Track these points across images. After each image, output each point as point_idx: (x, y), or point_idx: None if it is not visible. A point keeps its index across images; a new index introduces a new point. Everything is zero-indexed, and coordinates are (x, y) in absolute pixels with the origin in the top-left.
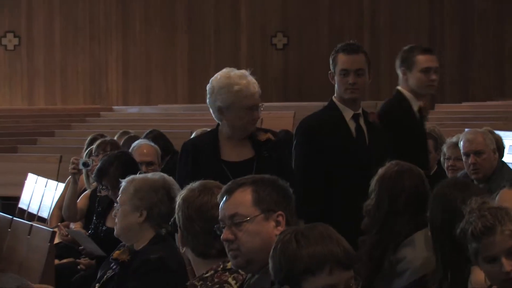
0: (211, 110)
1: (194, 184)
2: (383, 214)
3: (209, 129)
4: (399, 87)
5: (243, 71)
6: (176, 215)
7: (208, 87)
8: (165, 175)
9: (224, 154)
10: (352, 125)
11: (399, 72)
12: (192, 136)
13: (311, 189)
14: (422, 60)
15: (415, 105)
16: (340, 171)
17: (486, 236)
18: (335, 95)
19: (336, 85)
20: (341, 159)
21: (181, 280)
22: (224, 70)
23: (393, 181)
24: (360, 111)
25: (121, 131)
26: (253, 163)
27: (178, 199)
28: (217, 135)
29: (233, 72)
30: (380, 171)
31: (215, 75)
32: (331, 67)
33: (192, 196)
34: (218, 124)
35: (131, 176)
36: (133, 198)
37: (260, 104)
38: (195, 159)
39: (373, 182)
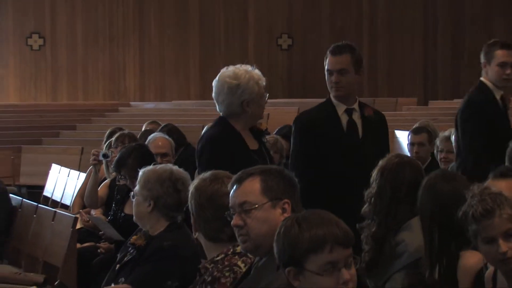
0: (228, 107)
1: (206, 174)
2: (385, 202)
3: None
4: (482, 78)
5: (248, 65)
6: (189, 203)
7: (226, 85)
8: (174, 168)
9: (248, 144)
10: (344, 119)
11: (482, 64)
12: (204, 129)
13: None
14: (500, 54)
15: (497, 94)
16: (332, 162)
17: (485, 219)
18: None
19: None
20: (333, 151)
21: (193, 266)
22: (231, 68)
23: (394, 172)
24: (354, 106)
25: (150, 120)
26: (262, 149)
27: (191, 188)
28: (233, 128)
29: (241, 67)
30: (381, 162)
31: (226, 73)
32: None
33: (204, 185)
34: (223, 119)
35: (144, 168)
36: (143, 189)
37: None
38: (233, 152)
39: (375, 172)
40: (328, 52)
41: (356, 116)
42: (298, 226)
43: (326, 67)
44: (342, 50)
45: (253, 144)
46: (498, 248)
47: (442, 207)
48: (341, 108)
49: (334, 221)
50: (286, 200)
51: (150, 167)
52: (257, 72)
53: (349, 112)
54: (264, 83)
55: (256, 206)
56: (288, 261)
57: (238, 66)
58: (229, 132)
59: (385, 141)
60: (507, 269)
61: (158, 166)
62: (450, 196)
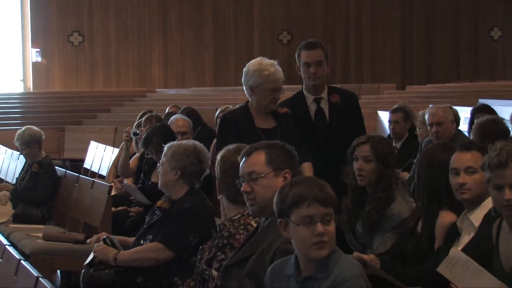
0: (244, 88)
1: (230, 146)
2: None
3: (231, 106)
4: None
5: (272, 61)
6: (216, 169)
7: (244, 69)
8: (197, 143)
9: (257, 123)
10: (313, 107)
11: None
12: (218, 112)
13: None
14: None
15: None
16: (305, 144)
17: (498, 169)
18: (303, 85)
19: (302, 76)
20: (304, 134)
21: (208, 223)
22: (258, 58)
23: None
24: (322, 94)
25: (172, 104)
26: (277, 130)
27: (218, 157)
28: (248, 109)
29: (265, 60)
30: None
31: (251, 61)
32: (297, 61)
33: (228, 155)
34: (247, 101)
35: (170, 143)
36: (170, 160)
37: (281, 88)
38: (236, 126)
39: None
40: (301, 49)
41: (324, 103)
42: (290, 186)
43: (302, 61)
44: (315, 45)
45: (266, 124)
46: (504, 195)
47: (434, 172)
48: (310, 98)
49: (318, 184)
50: (287, 170)
51: (176, 142)
52: (270, 66)
53: (317, 100)
54: (272, 78)
55: (262, 175)
56: (279, 213)
57: (265, 58)
58: (239, 112)
59: (357, 116)
60: (509, 213)
61: (183, 142)
62: (442, 164)
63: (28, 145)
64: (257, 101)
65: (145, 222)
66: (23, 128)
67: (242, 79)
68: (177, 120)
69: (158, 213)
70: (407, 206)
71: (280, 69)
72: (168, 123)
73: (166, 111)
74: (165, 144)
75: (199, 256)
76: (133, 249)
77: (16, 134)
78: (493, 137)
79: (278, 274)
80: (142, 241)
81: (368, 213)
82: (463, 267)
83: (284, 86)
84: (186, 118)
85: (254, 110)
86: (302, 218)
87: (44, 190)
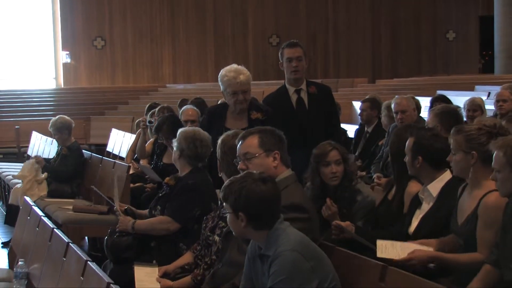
0: None
1: (230, 132)
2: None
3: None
4: None
5: (236, 67)
6: (217, 150)
7: None
8: (197, 130)
9: (228, 123)
10: (294, 98)
11: None
12: (218, 103)
13: None
14: None
15: None
16: (287, 129)
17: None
18: (285, 79)
19: (285, 71)
20: (286, 121)
21: (208, 197)
22: (230, 65)
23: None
24: (302, 86)
25: (181, 98)
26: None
27: (219, 141)
28: (226, 109)
29: (232, 66)
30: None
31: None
32: (280, 58)
33: (227, 139)
34: None
35: (181, 129)
36: (176, 142)
37: (243, 90)
38: (210, 122)
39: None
40: (284, 47)
41: (303, 94)
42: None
43: (285, 57)
44: (296, 44)
45: (237, 124)
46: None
47: (401, 149)
48: (291, 89)
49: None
50: (276, 151)
51: (185, 128)
52: (231, 72)
53: (298, 91)
54: (231, 82)
55: (256, 155)
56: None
57: (233, 65)
58: (216, 110)
59: (331, 106)
60: None
61: (188, 129)
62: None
63: (60, 131)
64: (228, 103)
65: (156, 196)
66: (56, 117)
67: None
68: (187, 110)
69: (166, 188)
70: (370, 191)
71: (243, 72)
72: (180, 111)
73: (178, 102)
74: (174, 131)
75: (204, 225)
76: (148, 220)
77: (50, 121)
78: (448, 122)
79: (252, 250)
80: (153, 212)
81: (341, 213)
82: (393, 247)
83: (273, 81)
84: (195, 108)
85: (230, 111)
86: None
87: (72, 169)
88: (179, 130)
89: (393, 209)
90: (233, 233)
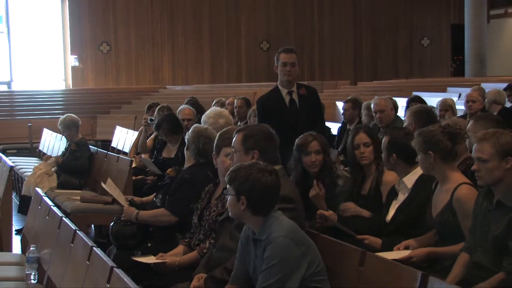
0: None
1: (224, 131)
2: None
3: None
4: None
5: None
6: (214, 145)
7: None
8: (210, 128)
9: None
10: (287, 98)
11: None
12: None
13: None
14: None
15: None
16: (280, 127)
17: None
18: (278, 81)
19: (279, 74)
20: (279, 120)
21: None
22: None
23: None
24: (293, 88)
25: (182, 98)
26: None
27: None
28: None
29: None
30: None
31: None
32: (275, 62)
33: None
34: None
35: (195, 125)
36: (188, 136)
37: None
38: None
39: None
40: (280, 52)
41: (294, 95)
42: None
43: (280, 61)
44: (291, 50)
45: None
46: None
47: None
48: (284, 91)
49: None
50: (255, 150)
51: (198, 126)
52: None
53: (290, 93)
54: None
55: (237, 152)
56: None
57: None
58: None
59: (317, 106)
60: None
61: (201, 126)
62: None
63: (68, 128)
64: None
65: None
66: (65, 115)
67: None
68: (184, 109)
69: (167, 178)
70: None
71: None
72: (178, 110)
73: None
74: (173, 128)
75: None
76: (151, 212)
77: (59, 120)
78: (423, 120)
79: (245, 235)
80: (155, 199)
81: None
82: (389, 254)
83: (264, 83)
84: (191, 107)
85: None
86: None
87: (83, 162)
88: (193, 126)
89: (371, 200)
90: (230, 214)
